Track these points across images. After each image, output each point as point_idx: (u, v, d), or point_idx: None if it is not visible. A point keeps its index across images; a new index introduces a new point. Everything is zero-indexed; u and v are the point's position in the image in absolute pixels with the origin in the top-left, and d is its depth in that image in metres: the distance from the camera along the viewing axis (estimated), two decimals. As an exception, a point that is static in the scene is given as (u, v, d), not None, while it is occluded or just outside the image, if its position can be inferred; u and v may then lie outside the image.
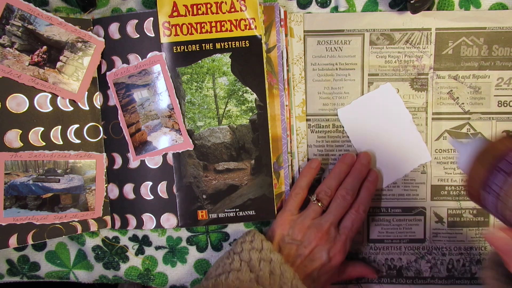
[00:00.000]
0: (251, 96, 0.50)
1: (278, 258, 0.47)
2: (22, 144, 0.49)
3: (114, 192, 0.53)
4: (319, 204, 0.50)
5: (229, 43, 0.49)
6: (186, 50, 0.49)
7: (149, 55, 0.50)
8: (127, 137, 0.51)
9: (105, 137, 0.53)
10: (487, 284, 0.35)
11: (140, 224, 0.52)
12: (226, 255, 0.50)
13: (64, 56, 0.50)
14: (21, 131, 0.49)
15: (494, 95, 0.52)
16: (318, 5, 0.52)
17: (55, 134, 0.50)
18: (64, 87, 0.50)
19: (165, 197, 0.52)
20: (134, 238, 0.56)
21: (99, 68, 0.52)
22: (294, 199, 0.51)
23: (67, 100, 0.51)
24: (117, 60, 0.51)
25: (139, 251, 0.56)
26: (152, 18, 0.49)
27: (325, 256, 0.48)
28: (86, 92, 0.51)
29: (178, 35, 0.49)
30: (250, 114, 0.50)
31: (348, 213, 0.50)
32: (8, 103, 0.48)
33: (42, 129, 0.50)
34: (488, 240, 0.33)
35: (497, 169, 0.30)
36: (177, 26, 0.49)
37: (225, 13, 0.48)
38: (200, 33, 0.49)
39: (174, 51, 0.49)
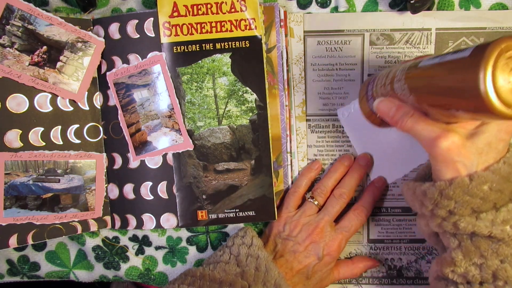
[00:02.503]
0: (251, 96, 0.50)
1: (265, 256, 0.48)
2: (22, 144, 0.49)
3: (114, 192, 0.53)
4: (315, 203, 0.51)
5: (229, 43, 0.49)
6: (186, 50, 0.49)
7: (149, 55, 0.50)
8: (127, 137, 0.51)
9: (105, 137, 0.53)
10: (406, 199, 0.43)
11: (140, 224, 0.52)
12: (220, 247, 0.52)
13: (64, 56, 0.50)
14: (21, 131, 0.49)
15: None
16: (318, 5, 0.52)
17: (55, 134, 0.50)
18: (64, 87, 0.50)
19: (165, 197, 0.52)
20: (134, 238, 0.56)
21: (99, 68, 0.52)
22: (291, 197, 0.52)
23: (67, 100, 0.51)
24: (117, 60, 0.51)
25: (139, 251, 0.56)
26: (152, 18, 0.49)
27: (319, 253, 0.49)
28: (86, 92, 0.51)
29: (178, 35, 0.49)
30: (250, 114, 0.51)
31: (348, 213, 0.51)
32: (8, 103, 0.48)
33: (42, 129, 0.50)
34: (376, 109, 0.40)
35: (367, 87, 0.44)
36: (177, 26, 0.49)
37: (225, 13, 0.48)
38: (200, 33, 0.49)
39: (174, 51, 0.49)
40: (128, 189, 0.52)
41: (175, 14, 0.49)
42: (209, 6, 0.48)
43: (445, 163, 0.36)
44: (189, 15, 0.49)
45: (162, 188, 0.52)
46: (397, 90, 0.37)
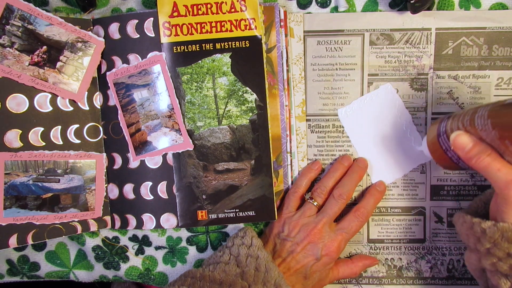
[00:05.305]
0: (251, 96, 0.50)
1: (265, 256, 0.48)
2: (22, 144, 0.49)
3: (114, 192, 0.53)
4: (314, 203, 0.51)
5: (229, 43, 0.49)
6: (186, 50, 0.49)
7: (149, 55, 0.50)
8: (127, 137, 0.51)
9: (105, 137, 0.53)
10: (458, 230, 0.44)
11: (140, 224, 0.52)
12: (219, 248, 0.52)
13: (64, 56, 0.50)
14: (21, 131, 0.49)
15: (494, 95, 0.52)
16: (318, 5, 0.52)
17: (55, 134, 0.50)
18: (64, 87, 0.50)
19: (165, 197, 0.52)
20: (134, 238, 0.56)
21: (99, 68, 0.52)
22: (291, 197, 0.52)
23: (67, 100, 0.51)
24: (117, 60, 0.51)
25: (139, 251, 0.56)
26: (152, 18, 0.49)
27: (318, 254, 0.49)
28: (86, 92, 0.51)
29: (178, 35, 0.49)
30: (250, 114, 0.51)
31: (349, 215, 0.51)
32: (8, 103, 0.48)
33: (42, 129, 0.50)
34: (452, 142, 0.40)
35: (440, 123, 0.44)
36: (177, 26, 0.49)
37: (225, 13, 0.48)
38: (200, 33, 0.49)
39: (174, 51, 0.49)
40: (128, 189, 0.52)
41: (175, 14, 0.49)
42: (209, 6, 0.48)
43: None
44: (189, 15, 0.49)
45: (162, 188, 0.52)
46: (478, 125, 0.38)
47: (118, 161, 0.52)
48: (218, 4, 0.48)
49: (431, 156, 0.46)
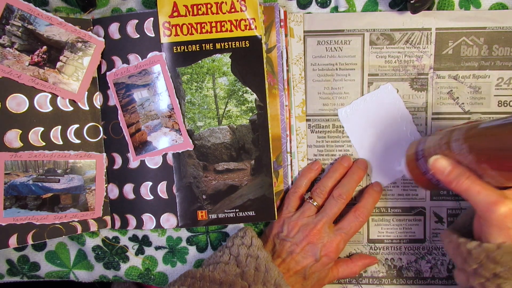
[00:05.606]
0: (251, 96, 0.50)
1: (265, 256, 0.48)
2: (22, 144, 0.49)
3: (114, 192, 0.53)
4: (314, 203, 0.51)
5: (229, 43, 0.49)
6: (186, 50, 0.49)
7: (149, 55, 0.50)
8: (127, 137, 0.51)
9: (105, 137, 0.53)
10: (446, 248, 0.44)
11: (140, 224, 0.52)
12: (219, 248, 0.52)
13: (64, 56, 0.50)
14: (21, 131, 0.49)
15: (494, 95, 0.52)
16: (318, 5, 0.52)
17: (55, 134, 0.50)
18: (64, 87, 0.50)
19: (165, 197, 0.52)
20: (134, 238, 0.56)
21: (99, 68, 0.52)
22: (291, 197, 0.52)
23: (67, 100, 0.51)
24: (117, 60, 0.51)
25: (139, 251, 0.56)
26: (152, 18, 0.49)
27: (317, 255, 0.49)
28: (86, 92, 0.51)
29: (178, 35, 0.49)
30: (250, 114, 0.51)
31: (348, 215, 0.51)
32: (8, 103, 0.48)
33: (42, 129, 0.50)
34: (431, 166, 0.40)
35: (417, 146, 0.45)
36: (177, 26, 0.49)
37: (225, 13, 0.48)
38: (200, 33, 0.49)
39: (174, 51, 0.49)
40: (128, 189, 0.52)
41: (175, 14, 0.49)
42: (209, 6, 0.48)
43: (498, 228, 0.37)
44: (189, 15, 0.49)
45: (162, 188, 0.52)
46: (455, 149, 0.38)
47: (118, 161, 0.52)
48: (218, 4, 0.48)
49: (411, 177, 0.46)
